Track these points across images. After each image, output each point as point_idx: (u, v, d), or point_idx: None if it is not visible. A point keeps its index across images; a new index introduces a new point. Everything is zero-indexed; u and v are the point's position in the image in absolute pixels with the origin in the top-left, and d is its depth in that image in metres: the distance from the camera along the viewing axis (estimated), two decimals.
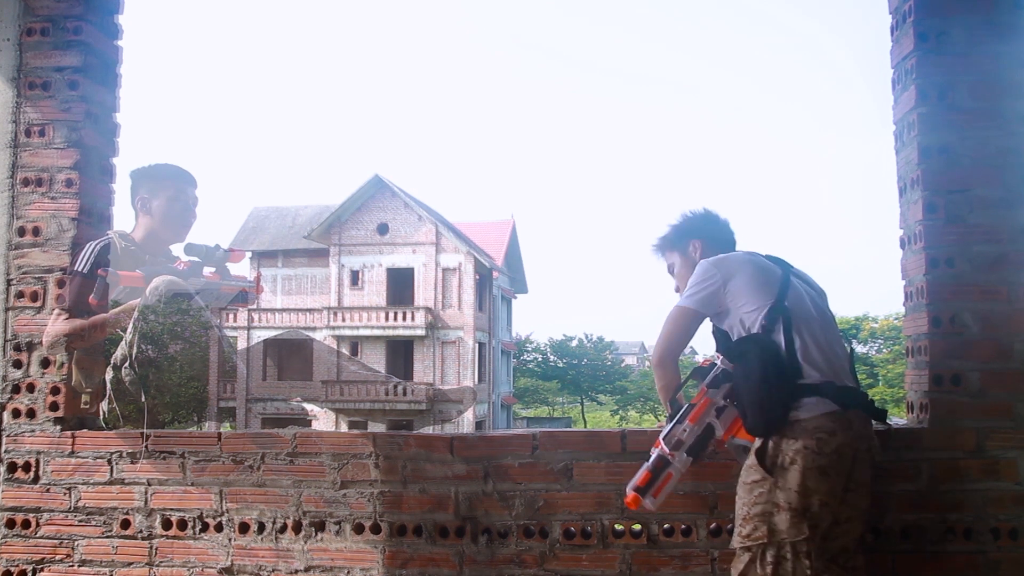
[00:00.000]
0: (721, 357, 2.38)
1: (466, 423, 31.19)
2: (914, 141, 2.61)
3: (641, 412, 54.07)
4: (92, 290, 2.60)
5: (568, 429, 2.91)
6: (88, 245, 2.73)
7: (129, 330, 2.56)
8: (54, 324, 2.71)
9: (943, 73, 2.58)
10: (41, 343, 2.75)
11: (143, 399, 2.59)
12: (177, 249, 2.83)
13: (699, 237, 2.68)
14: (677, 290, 2.68)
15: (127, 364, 2.57)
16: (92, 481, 2.72)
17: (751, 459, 2.26)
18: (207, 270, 2.67)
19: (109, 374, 2.64)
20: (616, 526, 2.54)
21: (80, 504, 2.72)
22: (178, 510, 2.69)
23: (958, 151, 2.56)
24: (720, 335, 2.42)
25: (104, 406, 2.70)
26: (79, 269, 2.68)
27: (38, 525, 2.73)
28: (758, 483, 2.22)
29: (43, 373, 2.76)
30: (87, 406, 2.78)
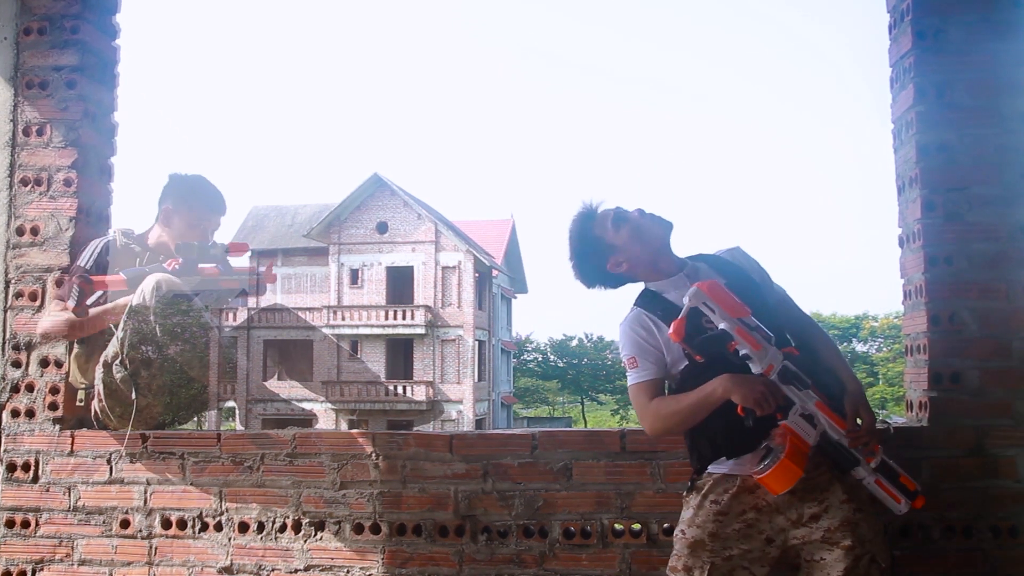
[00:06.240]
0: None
1: (466, 422, 31.18)
2: (912, 139, 2.61)
3: None
4: (92, 289, 2.60)
5: (567, 428, 2.91)
6: (92, 243, 2.74)
7: (120, 327, 2.55)
8: (50, 316, 2.70)
9: (941, 71, 2.58)
10: (40, 343, 2.75)
11: (134, 397, 2.57)
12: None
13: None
14: None
15: (118, 362, 2.55)
16: (91, 481, 2.73)
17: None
18: (205, 265, 2.65)
19: (100, 372, 2.63)
20: (616, 525, 2.54)
21: (79, 504, 2.72)
22: (178, 510, 2.69)
23: (956, 149, 2.55)
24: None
25: (96, 404, 2.69)
26: (83, 265, 2.69)
27: (38, 525, 2.73)
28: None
29: (42, 373, 2.76)
30: (82, 403, 2.78)
